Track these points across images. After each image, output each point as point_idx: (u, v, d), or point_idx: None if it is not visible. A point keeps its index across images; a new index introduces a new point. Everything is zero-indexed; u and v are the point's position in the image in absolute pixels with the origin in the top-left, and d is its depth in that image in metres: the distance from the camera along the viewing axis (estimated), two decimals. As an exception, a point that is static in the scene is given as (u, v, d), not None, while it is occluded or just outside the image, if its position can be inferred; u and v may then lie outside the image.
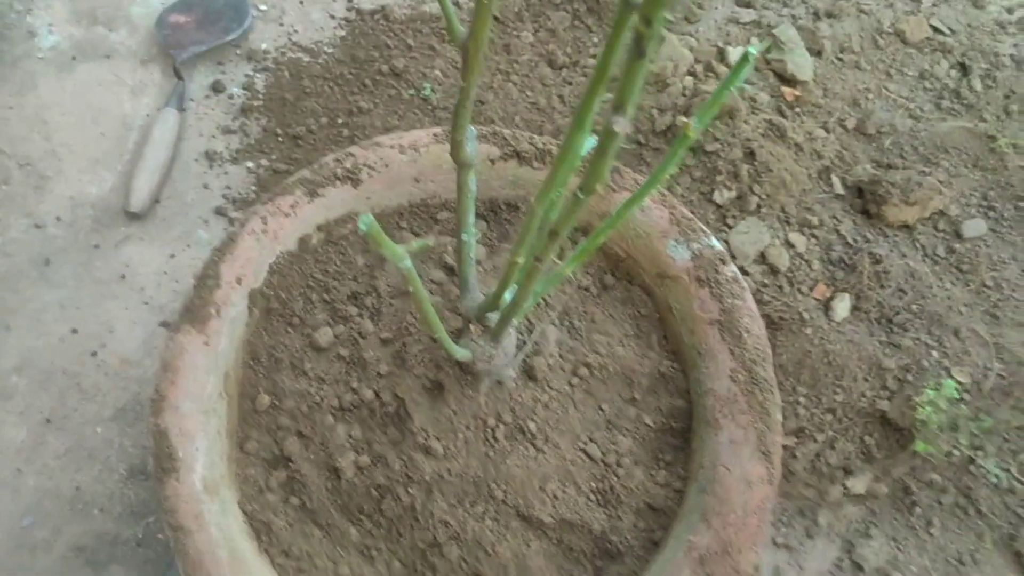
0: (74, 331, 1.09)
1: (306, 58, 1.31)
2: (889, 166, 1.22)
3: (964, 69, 1.34)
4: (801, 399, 1.03)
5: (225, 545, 0.69)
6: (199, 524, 0.69)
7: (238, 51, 1.32)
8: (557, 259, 0.56)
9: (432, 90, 1.26)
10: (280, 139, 1.23)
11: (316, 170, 0.86)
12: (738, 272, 0.84)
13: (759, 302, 1.06)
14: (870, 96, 1.30)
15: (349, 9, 1.37)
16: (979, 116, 1.29)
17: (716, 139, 1.16)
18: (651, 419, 0.82)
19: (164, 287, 1.12)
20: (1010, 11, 1.43)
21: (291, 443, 0.78)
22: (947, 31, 1.38)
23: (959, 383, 1.03)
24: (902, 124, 1.27)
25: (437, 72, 1.29)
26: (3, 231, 1.15)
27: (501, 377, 0.77)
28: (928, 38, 1.37)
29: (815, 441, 1.02)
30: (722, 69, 1.25)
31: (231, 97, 1.28)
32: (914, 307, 1.10)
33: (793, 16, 1.38)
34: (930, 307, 1.10)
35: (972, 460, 1.02)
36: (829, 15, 1.37)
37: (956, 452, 1.00)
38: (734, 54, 1.27)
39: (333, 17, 1.36)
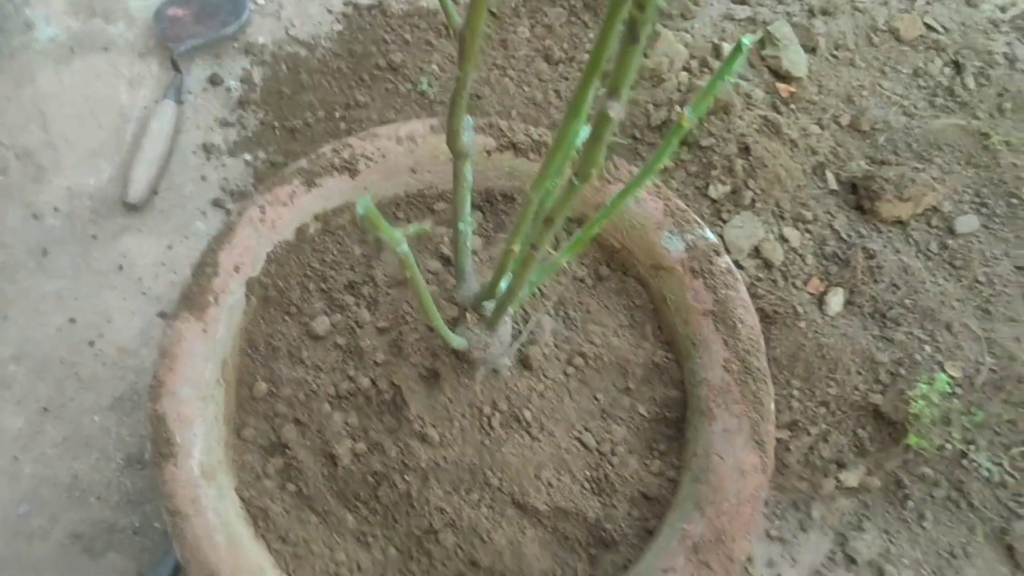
0: (72, 321, 1.09)
1: (303, 52, 1.31)
2: (883, 162, 1.23)
3: (957, 67, 1.35)
4: (795, 392, 1.04)
5: (222, 530, 0.70)
6: (196, 509, 0.70)
7: (235, 44, 1.32)
8: (552, 249, 0.57)
9: (429, 84, 1.27)
10: (277, 132, 1.24)
11: (314, 160, 0.86)
12: (732, 264, 0.85)
13: (753, 296, 1.07)
14: (864, 93, 1.31)
15: (346, 4, 1.37)
16: (972, 114, 1.30)
17: (711, 134, 1.17)
18: (645, 408, 0.83)
19: (162, 278, 1.13)
20: (1003, 9, 1.44)
21: (288, 430, 0.78)
22: (941, 29, 1.39)
23: (951, 377, 1.04)
24: (896, 121, 1.28)
25: (434, 67, 1.29)
26: (1, 221, 1.15)
27: (497, 366, 0.77)
28: (922, 36, 1.38)
29: (808, 434, 1.03)
30: (717, 65, 1.26)
31: (229, 90, 1.28)
32: (907, 302, 1.11)
33: (788, 13, 1.38)
34: (923, 302, 1.11)
35: (964, 454, 1.03)
36: (824, 12, 1.38)
37: (948, 446, 1.01)
38: (729, 50, 1.28)
39: (330, 11, 1.36)
